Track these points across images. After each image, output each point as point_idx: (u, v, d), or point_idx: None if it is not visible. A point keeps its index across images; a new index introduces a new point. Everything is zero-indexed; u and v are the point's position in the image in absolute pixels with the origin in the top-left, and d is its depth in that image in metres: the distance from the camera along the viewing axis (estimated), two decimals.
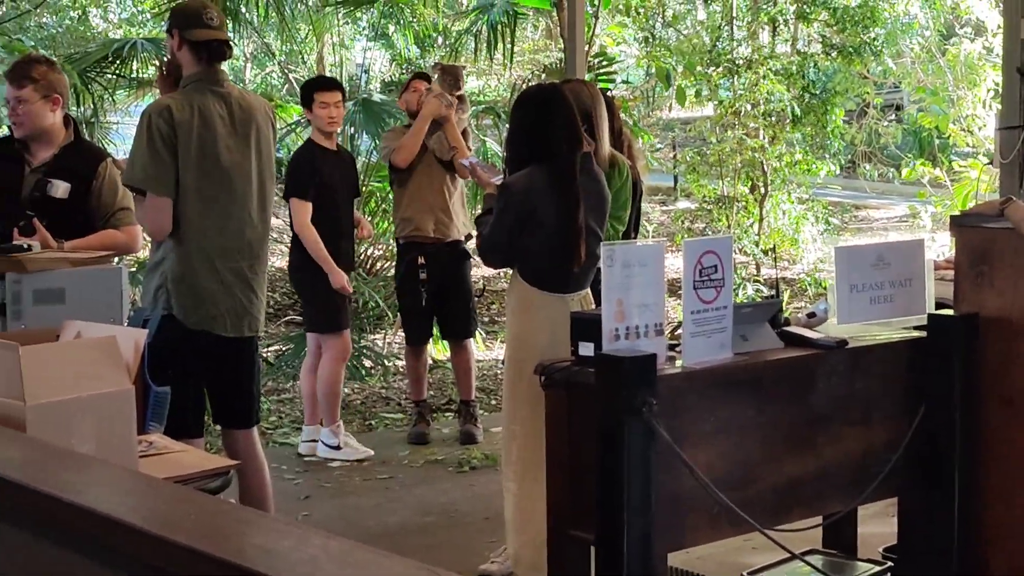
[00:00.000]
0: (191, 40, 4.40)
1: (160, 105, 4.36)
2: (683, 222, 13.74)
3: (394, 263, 10.77)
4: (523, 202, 4.39)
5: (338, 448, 6.62)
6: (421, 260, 6.81)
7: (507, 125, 4.74)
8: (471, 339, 7.13)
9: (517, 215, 4.40)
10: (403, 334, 7.51)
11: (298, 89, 12.46)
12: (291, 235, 6.72)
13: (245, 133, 4.48)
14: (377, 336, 9.66)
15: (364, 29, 13.94)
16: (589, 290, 4.57)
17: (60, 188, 4.57)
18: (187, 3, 4.73)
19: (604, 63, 10.62)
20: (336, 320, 6.60)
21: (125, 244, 4.73)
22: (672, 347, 3.71)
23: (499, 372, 8.83)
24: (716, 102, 12.82)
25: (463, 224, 6.90)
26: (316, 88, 6.67)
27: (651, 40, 13.57)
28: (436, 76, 7.13)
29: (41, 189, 4.57)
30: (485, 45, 10.19)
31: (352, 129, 9.75)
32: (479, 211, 5.44)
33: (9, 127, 4.82)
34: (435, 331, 7.39)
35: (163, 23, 4.69)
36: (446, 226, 6.83)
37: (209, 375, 4.51)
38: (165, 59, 4.67)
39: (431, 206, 6.81)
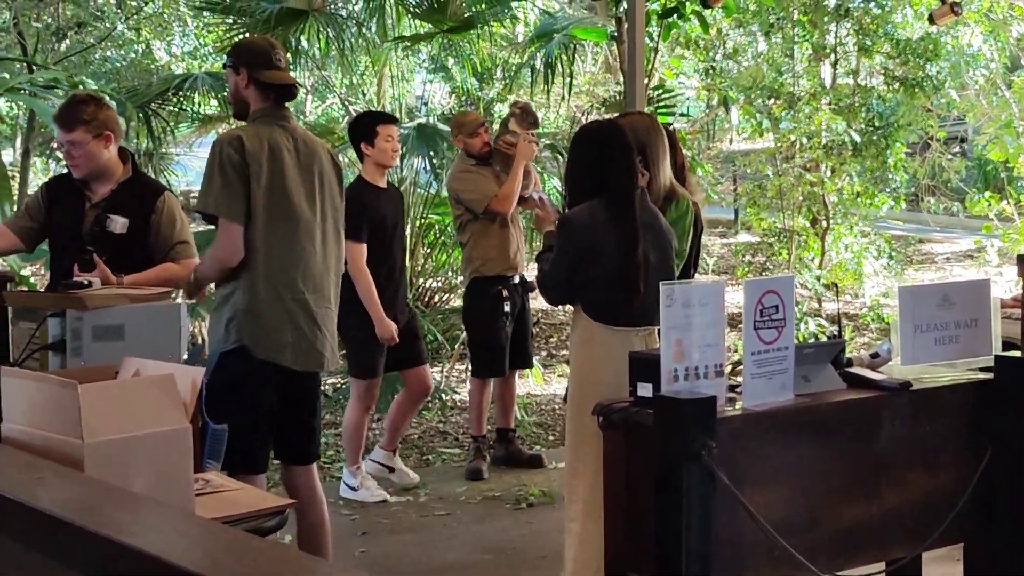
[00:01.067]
0: (259, 80, 4.48)
1: (231, 135, 4.42)
2: (743, 256, 13.65)
3: (451, 295, 10.87)
4: (584, 236, 4.39)
5: (355, 489, 6.60)
6: (505, 293, 6.84)
7: (566, 159, 4.74)
8: (522, 370, 7.16)
9: (578, 250, 4.39)
10: (470, 367, 7.49)
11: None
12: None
13: (309, 168, 4.53)
14: (435, 369, 9.64)
15: (424, 62, 14.01)
16: (655, 329, 4.51)
17: (118, 223, 4.61)
18: (254, 41, 4.83)
19: (664, 95, 10.60)
20: (368, 366, 6.50)
21: (183, 277, 4.73)
22: (732, 388, 3.67)
23: (557, 406, 8.79)
24: (776, 135, 12.75)
25: (525, 257, 7.01)
26: (381, 121, 6.52)
27: (712, 72, 13.53)
28: (515, 115, 7.13)
29: (100, 224, 4.62)
30: (542, 78, 10.20)
31: (404, 148, 9.76)
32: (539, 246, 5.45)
33: (67, 167, 4.87)
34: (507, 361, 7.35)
35: (225, 58, 4.69)
36: (520, 261, 6.91)
37: (274, 409, 4.51)
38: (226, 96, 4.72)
39: (511, 242, 6.86)
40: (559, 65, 10.05)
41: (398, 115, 11.90)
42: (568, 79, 10.36)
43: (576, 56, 10.64)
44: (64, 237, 4.72)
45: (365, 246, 6.32)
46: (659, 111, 10.12)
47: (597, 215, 4.41)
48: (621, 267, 4.39)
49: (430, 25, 10.16)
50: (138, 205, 4.72)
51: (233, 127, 11.90)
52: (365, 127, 6.49)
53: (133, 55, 14.79)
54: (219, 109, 9.86)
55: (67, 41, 11.87)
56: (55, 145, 4.86)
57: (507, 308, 6.85)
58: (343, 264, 4.77)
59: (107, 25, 13.81)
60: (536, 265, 4.88)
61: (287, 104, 4.62)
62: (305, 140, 4.59)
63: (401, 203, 6.80)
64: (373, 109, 10.10)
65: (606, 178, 4.46)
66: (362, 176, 6.50)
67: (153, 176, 9.79)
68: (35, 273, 11.47)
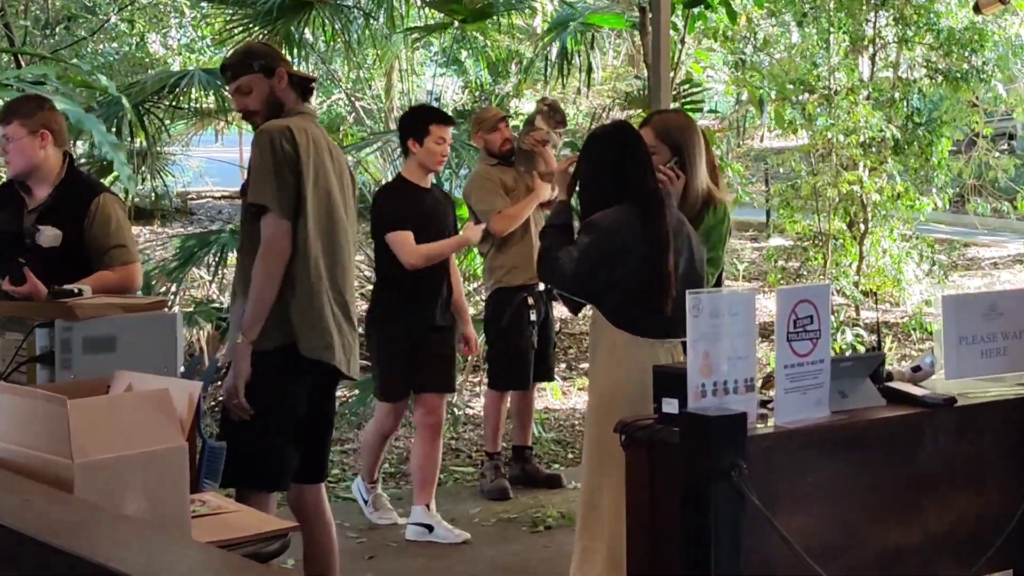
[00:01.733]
0: (295, 77, 4.59)
1: (280, 126, 4.44)
2: (776, 261, 13.63)
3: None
4: (611, 239, 4.37)
5: (366, 503, 6.62)
6: (531, 300, 6.82)
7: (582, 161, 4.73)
8: (542, 384, 7.14)
9: (603, 252, 4.37)
10: (485, 379, 7.50)
11: (364, 117, 12.64)
12: (376, 283, 6.52)
13: (341, 169, 4.63)
14: None
15: (435, 55, 14.04)
16: (681, 342, 4.50)
17: (46, 236, 4.58)
18: (262, 45, 5.00)
19: (691, 90, 10.58)
20: (391, 389, 6.38)
21: (118, 285, 4.60)
22: (764, 404, 3.66)
23: (577, 422, 8.79)
24: (811, 132, 12.74)
25: None
26: (436, 119, 6.34)
27: (741, 66, 13.52)
28: (542, 112, 7.12)
29: (31, 236, 4.60)
30: (557, 70, 10.17)
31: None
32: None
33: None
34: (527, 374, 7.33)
35: (245, 66, 4.72)
36: None
37: (305, 416, 4.50)
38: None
39: (535, 248, 6.83)
40: (576, 57, 10.03)
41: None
42: (587, 72, 10.35)
43: (595, 47, 10.62)
44: (7, 246, 4.68)
45: (411, 233, 6.18)
46: (686, 107, 10.10)
47: (625, 218, 4.41)
48: (650, 273, 4.38)
49: (442, 15, 10.17)
50: (74, 209, 4.72)
51: (234, 122, 11.92)
52: (417, 123, 6.34)
53: (127, 48, 14.85)
54: (216, 104, 9.89)
55: (56, 35, 11.92)
56: None
57: (533, 317, 6.86)
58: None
59: (100, 17, 13.87)
60: (539, 241, 4.79)
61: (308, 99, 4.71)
62: (329, 141, 4.67)
63: (451, 206, 6.65)
64: (427, 104, 10.01)
65: (627, 180, 4.46)
66: (404, 175, 6.39)
67: (149, 178, 9.84)
68: None
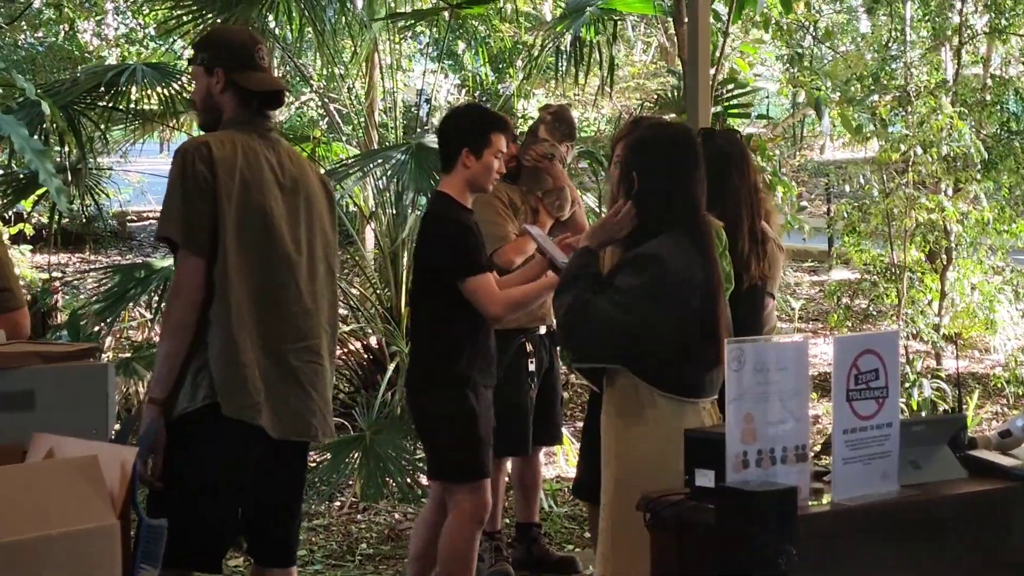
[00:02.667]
0: (239, 84, 4.57)
1: (197, 143, 4.49)
2: (838, 297, 13.63)
3: None
4: (674, 280, 4.32)
5: None
6: (529, 347, 6.78)
7: (635, 173, 4.58)
8: (540, 450, 7.11)
9: (658, 296, 4.32)
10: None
11: (339, 122, 12.68)
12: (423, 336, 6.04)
13: (295, 191, 4.61)
14: None
15: (425, 47, 14.12)
16: (713, 400, 4.51)
17: None
18: (232, 34, 4.90)
19: (735, 91, 10.62)
20: (473, 464, 5.86)
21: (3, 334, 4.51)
22: (819, 476, 3.67)
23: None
24: (884, 141, 12.77)
25: None
26: (497, 127, 5.95)
27: (797, 61, 13.58)
28: (545, 121, 7.16)
29: None
30: (573, 65, 10.18)
31: (396, 184, 9.72)
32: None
33: None
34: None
35: (193, 51, 4.75)
36: (547, 308, 6.82)
37: (246, 490, 4.52)
38: (189, 97, 4.76)
39: None
40: (596, 50, 10.05)
41: (394, 114, 12.01)
42: (608, 68, 10.38)
43: (618, 39, 10.66)
44: None
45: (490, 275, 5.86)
46: (729, 111, 10.14)
47: (689, 254, 4.38)
48: (704, 319, 4.37)
49: (435, 0, 10.23)
50: None
51: (183, 128, 12.00)
52: (475, 129, 5.90)
53: (53, 39, 14.95)
54: (160, 107, 9.94)
55: None
56: None
57: (532, 367, 6.83)
58: (338, 314, 4.82)
59: (20, 2, 13.96)
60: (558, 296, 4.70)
61: (269, 111, 4.69)
62: (291, 156, 4.67)
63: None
64: (482, 105, 9.98)
65: (685, 201, 4.44)
66: (446, 192, 5.93)
67: (80, 195, 9.87)
68: None
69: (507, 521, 7.42)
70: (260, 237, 4.48)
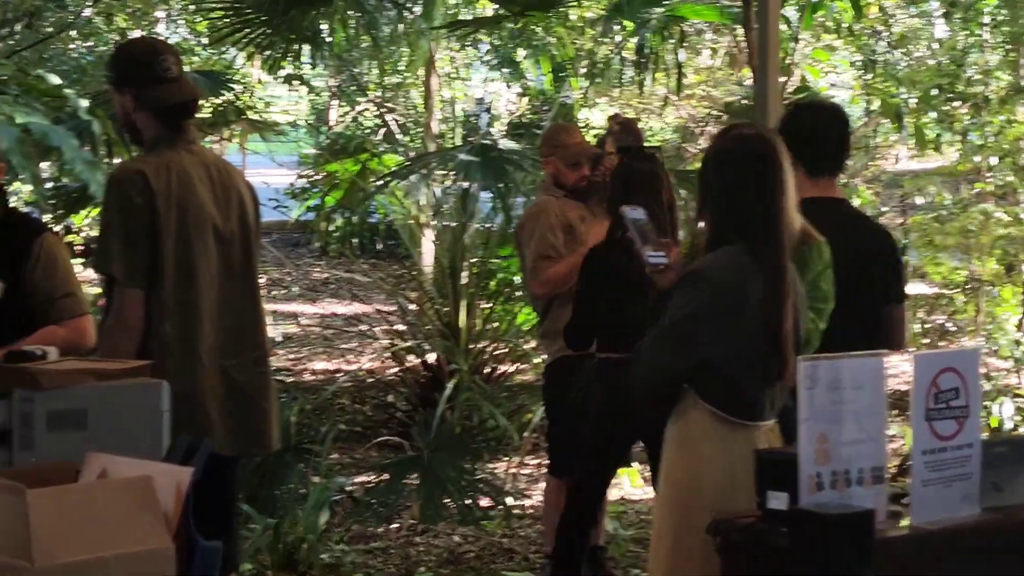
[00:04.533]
0: (149, 103, 4.66)
1: (130, 171, 4.62)
2: (915, 312, 13.56)
3: (519, 366, 10.88)
4: (723, 296, 4.32)
5: None
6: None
7: (705, 183, 4.57)
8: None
9: (712, 317, 4.31)
10: (547, 462, 7.51)
11: (398, 132, 12.73)
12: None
13: (228, 201, 4.76)
14: (498, 465, 9.67)
15: (485, 54, 14.16)
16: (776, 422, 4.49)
17: None
18: (132, 49, 5.00)
19: (806, 99, 10.60)
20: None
21: (70, 343, 4.61)
22: (897, 498, 3.65)
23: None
24: (960, 150, 12.69)
25: None
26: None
27: (871, 67, 13.50)
28: (613, 132, 7.17)
29: None
30: (638, 74, 10.19)
31: (467, 184, 9.79)
32: None
33: None
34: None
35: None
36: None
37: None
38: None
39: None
40: (661, 57, 10.05)
41: (452, 123, 12.05)
42: (676, 76, 10.39)
43: (684, 43, 10.64)
44: None
45: None
46: None
47: (741, 267, 4.36)
48: (765, 337, 4.35)
49: (495, 7, 10.24)
50: (12, 253, 4.76)
51: (235, 138, 12.02)
52: None
53: (103, 48, 15.08)
54: (212, 116, 10.01)
55: (17, 33, 12.11)
56: None
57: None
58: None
59: (70, 11, 14.08)
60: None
61: (187, 121, 4.79)
62: (219, 167, 4.81)
63: None
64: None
65: (756, 217, 4.41)
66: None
67: None
68: None
69: None
70: (199, 262, 4.63)
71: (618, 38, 10.98)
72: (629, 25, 10.27)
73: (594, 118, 13.92)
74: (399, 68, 12.71)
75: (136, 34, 14.64)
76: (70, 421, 3.55)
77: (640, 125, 10.91)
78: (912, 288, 15.66)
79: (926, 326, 12.89)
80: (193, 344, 4.60)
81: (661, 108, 13.50)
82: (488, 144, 9.65)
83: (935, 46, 14.97)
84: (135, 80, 4.66)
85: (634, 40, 10.11)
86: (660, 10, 9.77)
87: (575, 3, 10.53)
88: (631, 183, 6.07)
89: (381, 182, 11.36)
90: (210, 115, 10.03)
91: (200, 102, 4.97)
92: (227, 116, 10.64)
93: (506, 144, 10.45)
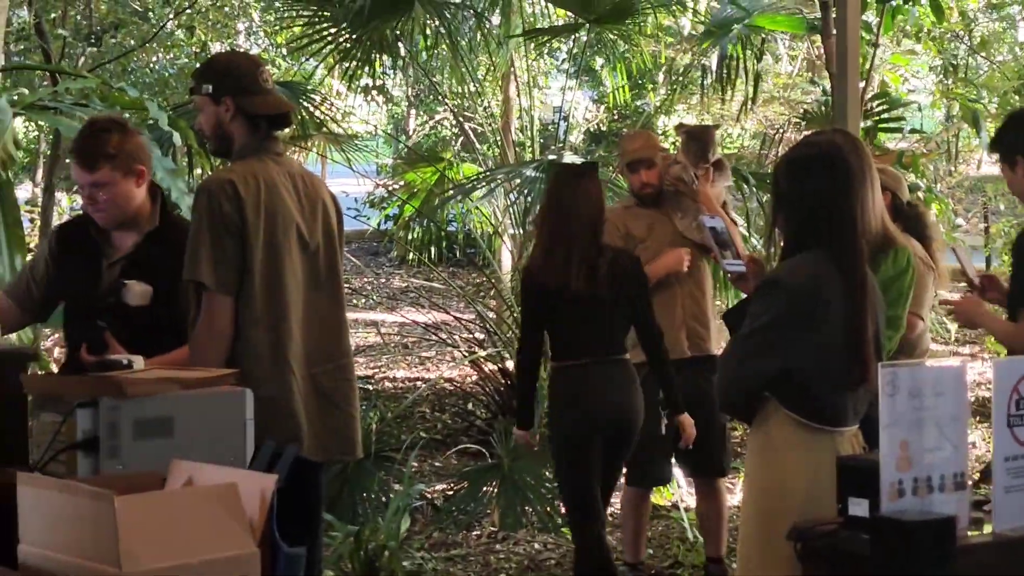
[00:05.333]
0: (248, 110, 4.74)
1: (221, 181, 4.65)
2: None
3: None
4: (801, 303, 4.31)
5: None
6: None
7: (780, 192, 4.55)
8: (720, 479, 7.04)
9: (791, 323, 4.30)
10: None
11: (476, 141, 12.76)
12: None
13: (314, 212, 4.82)
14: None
15: (562, 63, 14.17)
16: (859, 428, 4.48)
17: (134, 293, 4.68)
18: (233, 60, 5.04)
19: (885, 105, 10.54)
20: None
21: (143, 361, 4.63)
22: (979, 505, 3.63)
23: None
24: None
25: (719, 329, 6.79)
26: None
27: (952, 72, 13.41)
28: (680, 142, 7.15)
29: (115, 294, 4.72)
30: (718, 83, 10.18)
31: (524, 200, 9.83)
32: None
33: (83, 214, 4.99)
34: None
35: (195, 82, 4.90)
36: (702, 339, 6.80)
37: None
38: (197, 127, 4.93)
39: (682, 317, 6.82)
40: (740, 65, 10.04)
41: (530, 132, 12.06)
42: (753, 83, 10.36)
43: (764, 52, 10.63)
44: (78, 304, 4.88)
45: None
46: (880, 125, 10.06)
47: (818, 273, 4.34)
48: (845, 342, 4.33)
49: (572, 16, 10.26)
50: (169, 261, 4.76)
51: (316, 147, 12.10)
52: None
53: (185, 59, 15.23)
54: (294, 129, 10.07)
55: (101, 46, 12.22)
56: (79, 184, 4.97)
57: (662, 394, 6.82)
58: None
59: (152, 24, 14.23)
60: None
61: (277, 132, 4.90)
62: (304, 178, 4.86)
63: None
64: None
65: (833, 223, 4.40)
66: None
67: None
68: (60, 344, 11.80)
69: (649, 551, 7.40)
70: (286, 270, 4.70)
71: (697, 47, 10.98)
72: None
73: (672, 125, 13.91)
74: (477, 77, 12.71)
75: (217, 47, 14.82)
76: (156, 429, 3.59)
77: (719, 133, 10.88)
78: None
79: None
80: (282, 351, 4.66)
81: (739, 115, 13.45)
82: (555, 161, 9.68)
83: (1017, 51, 14.85)
84: (236, 89, 4.73)
85: (714, 49, 10.13)
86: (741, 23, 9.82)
87: (649, 11, 10.50)
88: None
89: (452, 193, 11.42)
90: (294, 128, 10.08)
91: (291, 114, 5.01)
92: (307, 127, 10.70)
93: (572, 159, 10.48)
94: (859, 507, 3.54)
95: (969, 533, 3.51)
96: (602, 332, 6.18)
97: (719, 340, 6.80)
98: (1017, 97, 12.82)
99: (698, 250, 6.87)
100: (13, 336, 6.88)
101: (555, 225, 6.22)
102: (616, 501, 7.37)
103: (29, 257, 6.21)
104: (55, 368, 7.62)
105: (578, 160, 10.32)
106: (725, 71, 10.10)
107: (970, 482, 3.59)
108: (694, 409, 6.79)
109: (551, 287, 6.11)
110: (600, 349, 6.19)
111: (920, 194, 10.24)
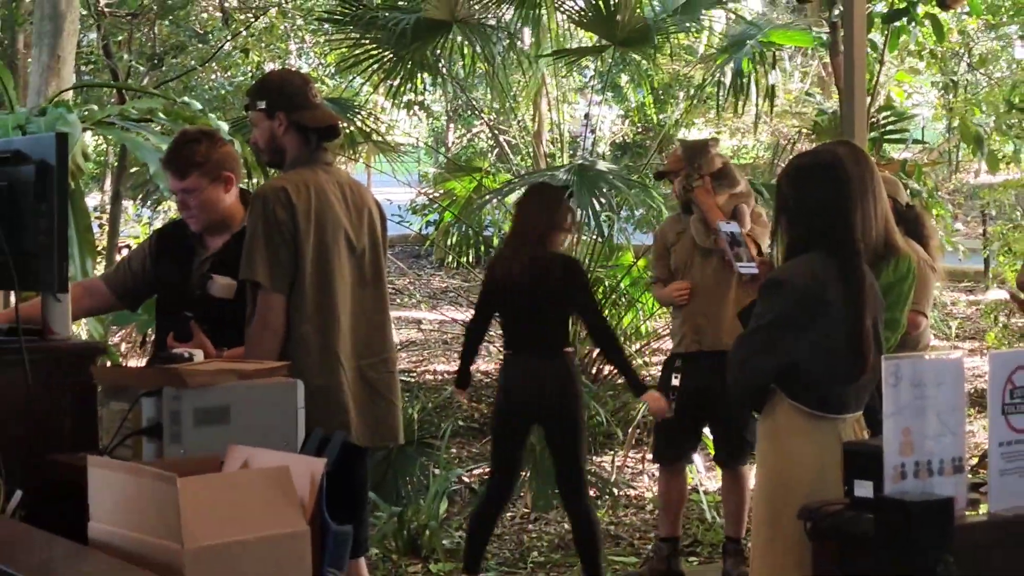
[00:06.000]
0: (300, 124, 4.79)
1: (275, 188, 4.70)
2: (995, 317, 13.38)
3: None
4: (804, 301, 4.31)
5: None
6: (677, 363, 6.88)
7: (789, 199, 4.55)
8: (742, 467, 7.03)
9: (794, 321, 4.30)
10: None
11: (508, 152, 12.80)
12: None
13: (360, 217, 4.87)
14: (604, 458, 9.68)
15: (590, 80, 14.17)
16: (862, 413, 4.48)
17: (219, 286, 4.79)
18: (285, 78, 5.12)
19: (891, 118, 10.52)
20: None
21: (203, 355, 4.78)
22: (976, 488, 3.62)
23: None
24: None
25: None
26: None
27: (952, 87, 13.37)
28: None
29: (202, 286, 4.81)
30: (733, 96, 10.17)
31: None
32: None
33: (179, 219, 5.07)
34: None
35: (249, 99, 4.94)
36: (705, 334, 6.84)
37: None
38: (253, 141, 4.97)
39: (690, 311, 6.87)
40: (754, 81, 10.03)
41: (559, 144, 12.07)
42: (766, 97, 10.33)
43: (776, 68, 10.61)
44: (170, 298, 4.95)
45: None
46: (885, 137, 10.04)
47: (821, 273, 4.34)
48: (849, 338, 4.33)
49: (598, 37, 10.27)
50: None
51: (364, 158, 12.10)
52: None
53: (241, 78, 15.28)
54: (343, 141, 10.11)
55: (164, 66, 12.27)
56: (172, 191, 5.06)
57: (675, 382, 6.91)
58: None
59: (211, 45, 14.30)
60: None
61: (327, 143, 4.91)
62: (351, 186, 4.91)
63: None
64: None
65: (834, 226, 4.39)
66: None
67: None
68: (126, 339, 11.87)
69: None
70: (335, 271, 4.74)
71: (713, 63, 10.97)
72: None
73: (691, 138, 13.91)
74: (511, 93, 12.74)
75: (270, 66, 14.88)
76: (214, 417, 3.61)
77: (734, 142, 10.89)
78: (993, 294, 15.51)
79: (1007, 328, 12.73)
80: (331, 345, 4.70)
81: (756, 126, 13.44)
82: (586, 164, 9.70)
83: (1015, 67, 14.80)
84: (288, 105, 4.78)
85: (730, 65, 10.12)
86: (754, 39, 9.81)
87: (669, 32, 10.50)
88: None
89: (487, 198, 11.45)
90: (343, 140, 10.13)
91: (339, 126, 5.05)
92: (354, 139, 10.75)
93: (603, 165, 10.52)
94: (864, 489, 3.54)
95: (967, 513, 3.51)
96: (541, 328, 6.46)
97: None
98: (1013, 111, 12.76)
99: (704, 256, 6.92)
100: (83, 332, 6.93)
101: (515, 227, 6.70)
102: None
103: (99, 259, 6.27)
104: (122, 361, 7.66)
105: (611, 167, 10.38)
106: (738, 85, 10.09)
107: (968, 467, 3.58)
108: (712, 399, 6.83)
109: (499, 279, 6.52)
110: (537, 343, 6.49)
111: (922, 200, 10.22)
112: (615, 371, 10.67)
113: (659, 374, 7.22)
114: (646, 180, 10.20)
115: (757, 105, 10.44)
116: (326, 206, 4.72)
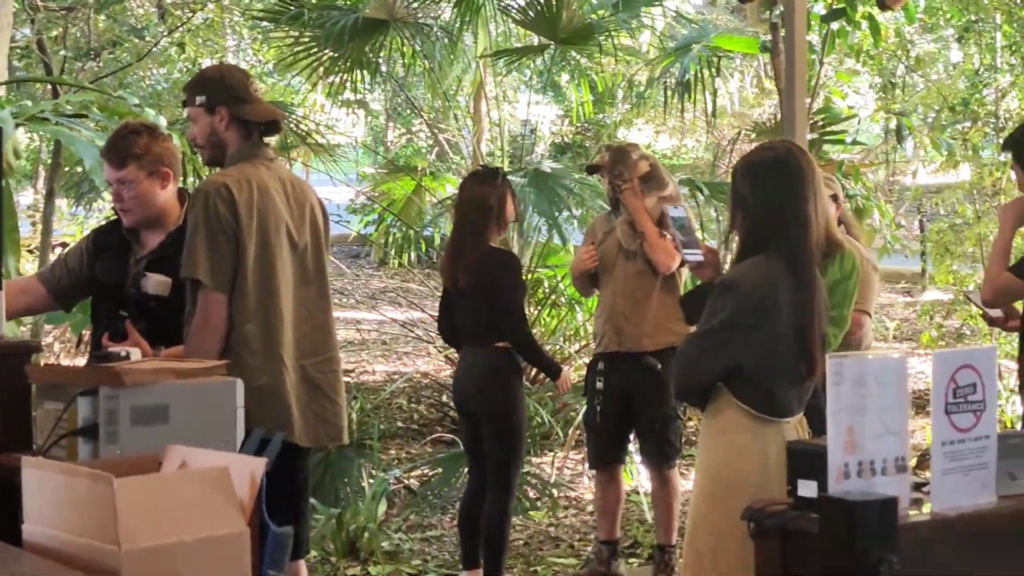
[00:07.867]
0: (242, 118, 4.76)
1: (217, 184, 4.67)
2: (932, 317, 13.49)
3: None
4: (755, 304, 4.31)
5: None
6: (600, 366, 6.90)
7: (745, 196, 4.51)
8: (669, 470, 7.02)
9: (744, 323, 4.30)
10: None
11: (450, 151, 12.78)
12: None
13: (302, 213, 4.85)
14: (544, 459, 9.69)
15: (530, 79, 14.17)
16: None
17: (153, 282, 4.76)
18: (225, 72, 5.04)
19: (829, 119, 10.59)
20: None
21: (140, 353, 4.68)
22: (919, 487, 3.64)
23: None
24: (975, 166, 12.62)
25: (665, 330, 6.79)
26: None
27: (890, 89, 13.47)
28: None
29: (137, 284, 4.76)
30: (677, 98, 10.24)
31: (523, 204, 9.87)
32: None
33: (116, 213, 5.01)
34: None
35: (188, 95, 4.90)
36: (626, 335, 6.84)
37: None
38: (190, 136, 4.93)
39: (611, 311, 6.89)
40: (698, 83, 10.09)
41: (500, 144, 12.07)
42: (712, 99, 10.40)
43: (721, 71, 10.69)
44: (104, 297, 4.90)
45: None
46: (824, 137, 10.10)
47: (772, 276, 4.34)
48: (798, 341, 4.34)
49: (539, 36, 10.27)
50: None
51: (301, 159, 12.06)
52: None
53: (177, 74, 15.18)
54: (279, 140, 10.06)
55: (99, 61, 12.17)
56: (108, 181, 5.00)
57: (599, 384, 6.93)
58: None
59: (147, 41, 14.20)
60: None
61: (268, 139, 4.91)
62: (293, 182, 4.90)
63: None
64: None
65: (788, 222, 4.39)
66: None
67: None
68: (59, 339, 11.76)
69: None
70: (277, 269, 4.71)
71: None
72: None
73: (631, 138, 13.95)
74: (450, 92, 12.71)
75: (207, 62, 14.78)
76: (152, 416, 3.58)
77: (674, 142, 10.92)
78: (929, 295, 15.65)
79: (943, 329, 12.84)
80: (274, 343, 4.68)
81: (709, 127, 13.52)
82: (540, 169, 9.78)
83: (951, 69, 14.93)
84: (230, 99, 4.75)
85: (676, 68, 10.19)
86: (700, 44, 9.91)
87: (611, 32, 10.51)
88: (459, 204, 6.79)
89: (439, 207, 11.48)
90: (278, 139, 10.08)
91: (281, 121, 5.04)
92: (287, 143, 10.72)
93: (552, 166, 10.55)
94: (808, 488, 3.54)
95: (910, 512, 3.51)
96: (475, 322, 6.58)
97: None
98: (949, 113, 12.88)
99: (629, 260, 6.91)
100: (18, 330, 6.85)
101: (455, 222, 6.87)
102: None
103: (32, 259, 6.21)
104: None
105: (554, 167, 10.40)
106: (683, 89, 10.16)
107: (911, 466, 3.59)
108: (637, 401, 6.87)
109: (445, 276, 6.76)
110: (473, 337, 6.63)
111: (859, 201, 10.29)
112: None
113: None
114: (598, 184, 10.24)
115: (706, 109, 10.53)
116: (268, 202, 4.68)
